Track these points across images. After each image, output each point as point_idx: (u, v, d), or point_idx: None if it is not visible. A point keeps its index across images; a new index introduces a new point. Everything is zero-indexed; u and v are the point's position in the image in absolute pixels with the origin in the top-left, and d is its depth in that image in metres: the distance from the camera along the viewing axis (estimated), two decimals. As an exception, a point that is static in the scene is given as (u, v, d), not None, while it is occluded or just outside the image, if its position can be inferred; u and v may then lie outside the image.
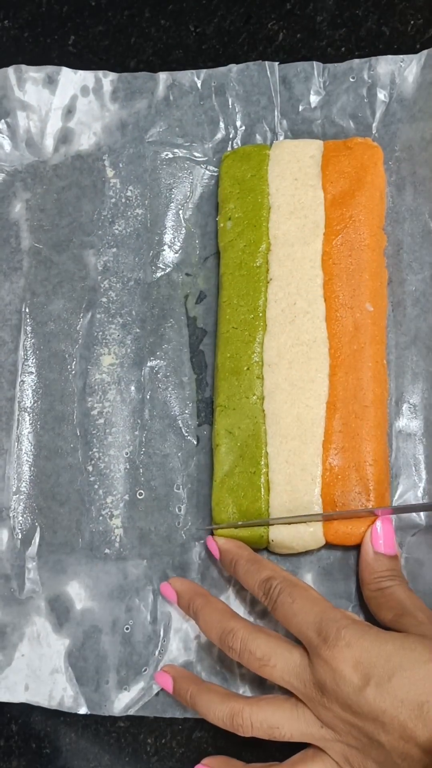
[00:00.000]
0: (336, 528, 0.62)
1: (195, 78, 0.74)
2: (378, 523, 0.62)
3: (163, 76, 0.75)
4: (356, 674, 0.52)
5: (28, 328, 0.72)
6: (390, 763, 0.52)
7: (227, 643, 0.58)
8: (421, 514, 0.64)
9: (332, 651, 0.52)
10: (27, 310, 0.73)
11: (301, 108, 0.72)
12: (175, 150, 0.74)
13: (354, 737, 0.53)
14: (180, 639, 0.66)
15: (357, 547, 0.64)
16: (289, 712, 0.55)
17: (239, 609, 0.65)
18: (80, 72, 0.76)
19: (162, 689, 0.64)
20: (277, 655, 0.56)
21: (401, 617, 0.57)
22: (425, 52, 0.71)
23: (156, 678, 0.63)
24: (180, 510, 0.68)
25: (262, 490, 0.63)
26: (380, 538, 0.62)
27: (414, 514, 0.64)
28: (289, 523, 0.63)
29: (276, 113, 0.73)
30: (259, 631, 0.58)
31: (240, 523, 0.63)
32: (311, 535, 0.62)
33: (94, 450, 0.70)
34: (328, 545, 0.65)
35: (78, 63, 0.77)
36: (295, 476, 0.63)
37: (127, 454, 0.69)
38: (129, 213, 0.74)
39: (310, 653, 0.54)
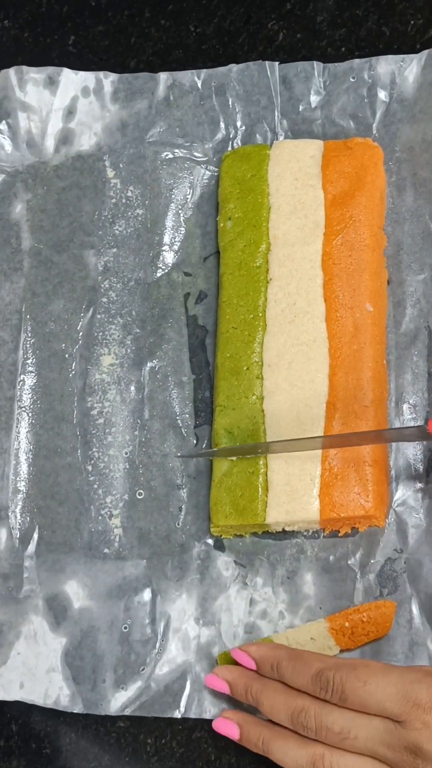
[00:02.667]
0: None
1: (195, 78, 0.74)
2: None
3: (163, 77, 0.75)
4: None
5: (29, 328, 0.73)
6: None
7: (301, 723, 0.55)
8: (421, 514, 0.64)
9: (428, 714, 0.51)
10: (27, 310, 0.73)
11: (301, 108, 0.72)
12: (176, 150, 0.74)
13: None
14: (179, 639, 0.66)
15: (354, 540, 0.64)
16: (373, 764, 0.54)
17: (239, 608, 0.65)
18: (81, 73, 0.76)
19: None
20: (356, 726, 0.53)
21: None
22: (425, 52, 0.71)
23: (217, 727, 0.61)
24: (179, 510, 0.68)
25: (260, 489, 0.63)
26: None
27: (414, 514, 0.64)
28: (289, 451, 0.62)
29: (276, 113, 0.73)
30: (330, 705, 0.55)
31: (238, 446, 0.63)
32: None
33: (94, 450, 0.70)
34: (327, 547, 0.65)
35: (78, 63, 0.78)
36: (294, 476, 0.63)
37: (126, 453, 0.69)
38: (129, 213, 0.74)
39: (400, 720, 0.52)
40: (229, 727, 0.60)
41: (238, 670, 0.61)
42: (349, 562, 0.65)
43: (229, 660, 0.64)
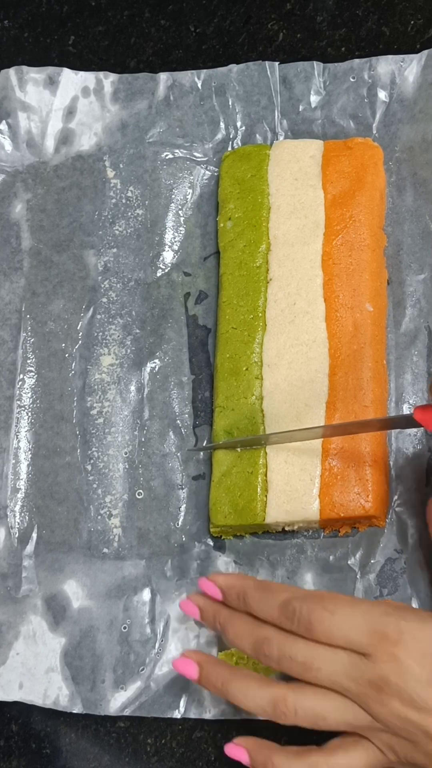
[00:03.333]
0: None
1: (195, 78, 0.74)
2: None
3: (163, 77, 0.75)
4: (425, 668, 0.50)
5: (28, 328, 0.73)
6: None
7: (263, 651, 0.54)
8: (421, 514, 0.64)
9: (396, 647, 0.50)
10: (27, 310, 0.73)
11: (301, 108, 0.72)
12: (176, 150, 0.74)
13: (409, 731, 0.51)
14: (178, 639, 0.66)
15: (354, 540, 0.65)
16: (336, 702, 0.52)
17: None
18: (81, 73, 0.76)
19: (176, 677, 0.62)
20: (320, 657, 0.52)
21: None
22: (425, 52, 0.71)
23: (177, 665, 0.57)
24: (179, 510, 0.68)
25: (259, 489, 0.63)
26: None
27: (414, 514, 0.64)
28: (289, 441, 0.62)
29: (276, 113, 0.73)
30: (294, 636, 0.53)
31: (239, 439, 0.64)
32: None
33: (93, 449, 0.70)
34: (327, 547, 0.65)
35: (78, 63, 0.78)
36: (294, 476, 0.63)
37: (126, 453, 0.69)
38: (129, 213, 0.74)
39: (366, 654, 0.51)
40: (188, 665, 0.57)
41: (233, 576, 0.59)
42: (349, 562, 0.65)
43: (230, 660, 0.64)
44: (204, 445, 0.69)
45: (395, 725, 0.50)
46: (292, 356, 0.65)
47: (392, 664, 0.50)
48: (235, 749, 0.55)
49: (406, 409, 0.66)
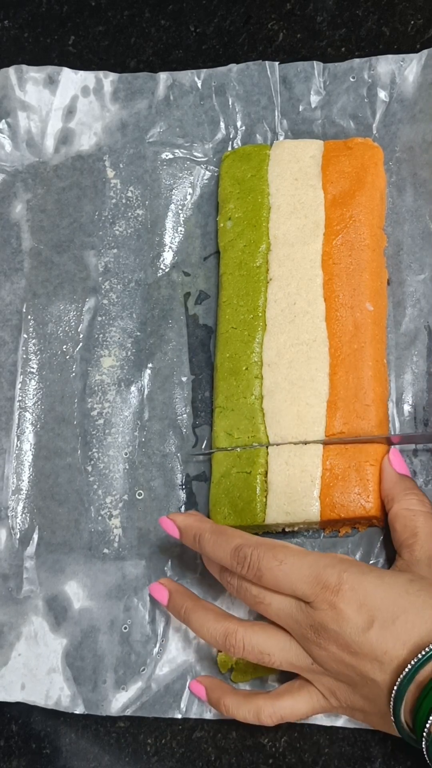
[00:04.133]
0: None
1: (195, 78, 0.74)
2: (392, 453, 0.63)
3: (163, 77, 0.75)
4: (360, 616, 0.52)
5: (29, 329, 0.73)
6: (375, 700, 0.53)
7: (226, 579, 0.59)
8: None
9: (336, 595, 0.53)
10: (28, 311, 0.73)
11: (301, 108, 0.72)
12: (176, 150, 0.74)
13: (346, 675, 0.54)
14: (179, 639, 0.66)
15: (354, 540, 0.65)
16: (282, 642, 0.56)
17: (239, 611, 0.65)
18: (81, 72, 0.76)
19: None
20: (271, 595, 0.56)
21: (414, 545, 0.58)
22: (425, 51, 0.71)
23: (151, 590, 0.64)
24: (179, 510, 0.68)
25: (258, 490, 0.63)
26: (397, 463, 0.62)
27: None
28: (291, 443, 0.63)
29: (276, 113, 0.73)
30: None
31: (238, 448, 0.64)
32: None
33: (94, 450, 0.70)
34: (328, 547, 0.65)
35: (78, 63, 0.78)
36: (295, 478, 0.62)
37: (126, 454, 0.69)
38: (129, 213, 0.74)
39: (309, 601, 0.54)
40: (160, 591, 0.63)
41: (191, 517, 0.61)
42: (348, 561, 0.65)
43: (230, 660, 0.64)
44: (203, 449, 0.69)
45: (333, 668, 0.54)
46: (292, 355, 0.65)
47: (331, 612, 0.53)
48: (196, 686, 0.62)
49: (407, 410, 0.66)
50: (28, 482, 0.70)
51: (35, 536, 0.69)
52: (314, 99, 0.72)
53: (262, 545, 0.56)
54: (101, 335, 0.72)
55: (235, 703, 0.59)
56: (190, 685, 0.63)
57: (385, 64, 0.71)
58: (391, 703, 0.51)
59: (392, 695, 0.51)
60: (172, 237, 0.73)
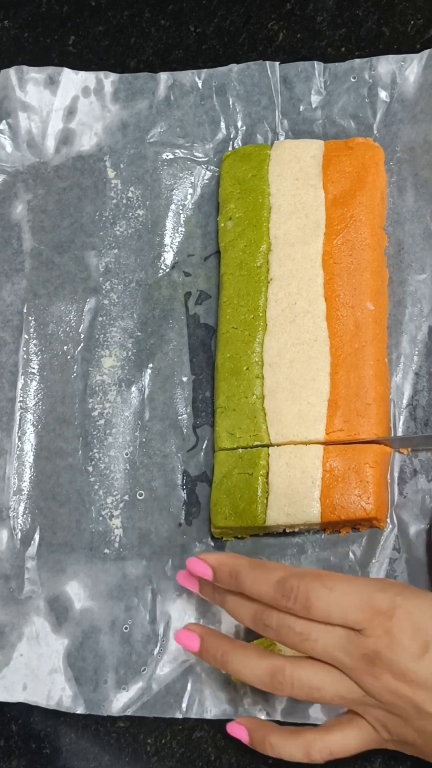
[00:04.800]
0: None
1: (196, 78, 0.74)
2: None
3: (163, 77, 0.75)
4: (415, 641, 0.50)
5: (30, 330, 0.72)
6: (430, 732, 0.51)
7: (262, 621, 0.54)
8: (421, 514, 0.64)
9: (389, 621, 0.51)
10: (29, 312, 0.73)
11: (302, 108, 0.72)
12: (176, 150, 0.74)
13: (400, 706, 0.51)
14: (180, 639, 0.66)
15: (355, 540, 0.65)
16: (332, 676, 0.53)
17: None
18: (81, 73, 0.76)
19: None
20: (318, 629, 0.52)
21: None
22: (426, 51, 0.71)
23: (179, 638, 0.59)
24: (180, 510, 0.68)
25: (260, 491, 0.63)
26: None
27: (415, 514, 0.64)
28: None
29: (277, 113, 0.73)
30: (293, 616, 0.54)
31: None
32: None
33: (95, 451, 0.70)
34: (328, 546, 0.65)
35: (78, 63, 0.78)
36: (296, 479, 0.62)
37: (127, 454, 0.69)
38: (130, 214, 0.74)
39: (360, 628, 0.51)
40: (190, 638, 0.58)
41: (224, 554, 0.58)
42: (349, 562, 0.65)
43: None
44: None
45: (387, 699, 0.51)
46: (293, 355, 0.65)
47: (385, 638, 0.51)
48: (236, 728, 0.57)
49: (407, 410, 0.66)
50: (30, 483, 0.70)
51: (36, 537, 0.69)
52: (315, 99, 0.72)
53: (308, 575, 0.53)
54: (102, 335, 0.72)
55: (282, 741, 0.55)
56: (228, 728, 0.58)
57: (385, 64, 0.71)
58: None
59: None
60: (172, 237, 0.73)
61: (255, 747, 0.56)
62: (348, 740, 0.54)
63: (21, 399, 0.71)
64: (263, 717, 0.63)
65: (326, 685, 0.53)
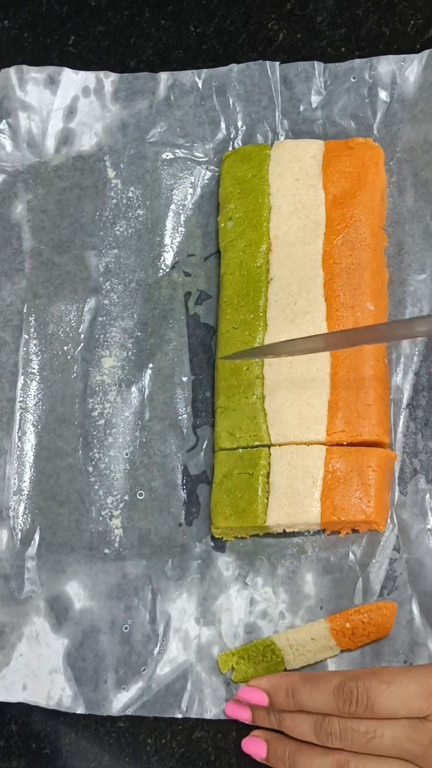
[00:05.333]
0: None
1: (196, 78, 0.74)
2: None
3: (164, 76, 0.75)
4: None
5: (30, 330, 0.72)
6: None
7: (325, 730, 0.55)
8: (421, 515, 0.64)
9: None
10: (29, 311, 0.73)
11: (302, 108, 0.72)
12: (176, 150, 0.74)
13: None
14: (179, 639, 0.66)
15: (355, 540, 0.65)
16: (397, 764, 0.54)
17: (240, 608, 0.65)
18: (81, 72, 0.76)
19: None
20: (382, 725, 0.53)
21: None
22: (426, 52, 0.71)
23: (246, 746, 0.60)
24: (180, 510, 0.68)
25: (260, 491, 0.63)
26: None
27: (415, 514, 0.64)
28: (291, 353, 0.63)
29: (277, 113, 0.73)
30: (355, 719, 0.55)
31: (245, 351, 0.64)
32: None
33: (95, 451, 0.70)
34: (328, 547, 0.65)
35: (78, 63, 0.78)
36: (296, 479, 0.62)
37: (127, 454, 0.69)
38: (130, 214, 0.74)
39: (426, 715, 0.52)
40: (257, 745, 0.60)
41: (274, 677, 0.59)
42: (349, 562, 0.65)
43: (231, 660, 0.64)
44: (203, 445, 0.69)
45: None
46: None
47: None
48: (254, 742, 0.60)
49: (408, 410, 0.66)
50: (30, 483, 0.70)
51: (36, 537, 0.69)
52: (315, 99, 0.72)
53: (364, 675, 0.54)
54: (102, 335, 0.72)
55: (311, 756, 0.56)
56: (244, 743, 0.60)
57: (385, 65, 0.71)
58: None
59: None
60: (172, 237, 0.73)
61: (274, 764, 0.58)
62: None
63: (21, 399, 0.71)
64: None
65: None
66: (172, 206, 0.73)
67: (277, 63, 0.73)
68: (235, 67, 0.74)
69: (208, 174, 0.74)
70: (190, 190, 0.74)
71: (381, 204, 0.68)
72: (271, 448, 0.64)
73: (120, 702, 0.65)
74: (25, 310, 0.73)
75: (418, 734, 0.52)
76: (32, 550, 0.69)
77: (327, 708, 0.55)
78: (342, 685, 0.54)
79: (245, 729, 0.64)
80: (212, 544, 0.67)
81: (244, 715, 0.61)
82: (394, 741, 0.53)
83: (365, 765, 0.54)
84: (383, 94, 0.71)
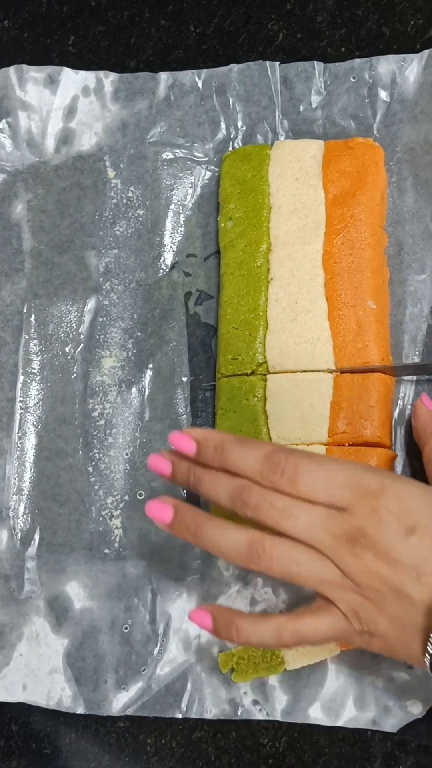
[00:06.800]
0: None
1: (196, 78, 0.74)
2: (424, 395, 0.62)
3: (164, 76, 0.75)
4: (402, 522, 0.50)
5: (31, 330, 0.72)
6: (404, 620, 0.51)
7: (241, 499, 0.52)
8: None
9: (377, 500, 0.50)
10: (29, 312, 0.73)
11: (302, 108, 0.72)
12: (176, 150, 0.74)
13: (376, 589, 0.51)
14: (179, 639, 0.66)
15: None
16: (310, 553, 0.52)
17: (240, 608, 0.65)
18: (81, 72, 0.76)
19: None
20: (300, 506, 0.51)
21: None
22: (426, 51, 0.71)
23: (149, 508, 0.55)
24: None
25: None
26: (429, 403, 0.62)
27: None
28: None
29: (277, 113, 0.73)
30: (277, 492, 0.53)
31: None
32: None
33: (95, 451, 0.70)
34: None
35: (78, 63, 0.77)
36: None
37: (127, 455, 0.69)
38: (130, 214, 0.74)
39: (346, 506, 0.51)
40: (162, 509, 0.55)
41: (209, 430, 0.56)
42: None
43: (231, 660, 0.64)
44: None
45: (364, 581, 0.51)
46: (297, 354, 0.64)
47: (371, 516, 0.50)
48: (200, 614, 0.55)
49: (408, 410, 0.66)
50: (30, 483, 0.70)
51: (36, 537, 0.69)
52: (315, 99, 0.72)
53: (297, 451, 0.53)
54: (102, 336, 0.72)
55: (250, 624, 0.53)
56: (190, 616, 0.55)
57: (385, 64, 0.71)
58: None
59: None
60: (172, 237, 0.73)
61: (219, 634, 0.54)
62: (319, 626, 0.52)
63: (21, 399, 0.71)
64: (262, 717, 0.63)
65: (305, 561, 0.52)
66: (172, 206, 0.73)
67: (277, 63, 0.73)
68: (235, 67, 0.74)
69: (208, 174, 0.73)
70: (190, 190, 0.74)
71: (381, 203, 0.68)
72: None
73: (120, 702, 0.65)
74: (25, 310, 0.73)
75: (334, 524, 0.51)
76: (32, 550, 0.69)
77: (251, 471, 0.53)
78: (273, 453, 0.52)
79: (245, 729, 0.64)
80: (212, 544, 0.67)
81: (164, 468, 0.56)
82: (308, 526, 0.51)
83: (280, 546, 0.52)
84: (383, 94, 0.71)
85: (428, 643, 0.50)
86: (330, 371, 0.64)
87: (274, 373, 0.65)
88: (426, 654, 0.50)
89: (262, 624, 0.53)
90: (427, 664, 0.50)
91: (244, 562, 0.52)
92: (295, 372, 0.64)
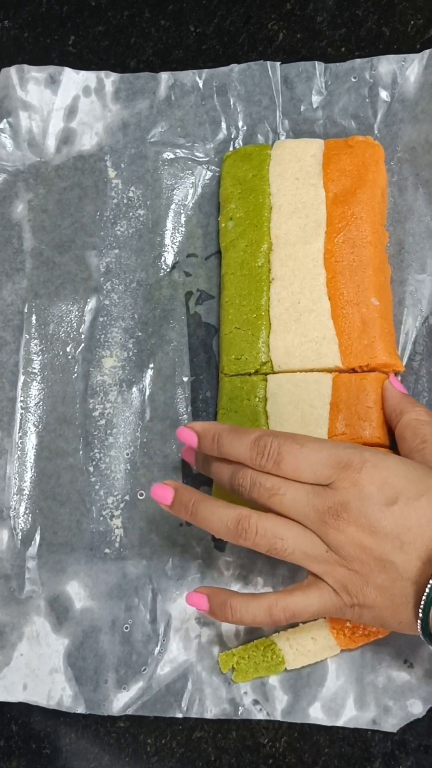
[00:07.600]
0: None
1: (197, 78, 0.74)
2: (392, 377, 0.64)
3: (164, 76, 0.75)
4: (383, 492, 0.52)
5: (31, 330, 0.72)
6: (392, 588, 0.53)
7: (238, 482, 0.57)
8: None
9: (358, 473, 0.53)
10: (29, 311, 0.73)
11: (302, 108, 0.72)
12: (177, 150, 0.74)
13: (362, 561, 0.53)
14: (180, 638, 0.66)
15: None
16: (296, 528, 0.55)
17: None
18: (82, 72, 0.76)
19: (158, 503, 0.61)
20: (287, 485, 0.55)
21: (423, 450, 0.58)
22: (427, 51, 0.71)
23: (154, 491, 0.60)
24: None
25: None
26: (398, 385, 0.63)
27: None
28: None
29: (278, 113, 0.73)
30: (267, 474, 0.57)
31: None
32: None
33: (96, 451, 0.70)
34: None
35: (78, 63, 0.78)
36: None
37: (128, 454, 0.69)
38: (131, 213, 0.74)
39: (329, 482, 0.54)
40: (164, 490, 0.60)
41: (210, 422, 0.60)
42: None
43: (231, 660, 0.64)
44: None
45: (350, 554, 0.53)
46: (302, 353, 0.64)
47: (354, 489, 0.53)
48: (196, 597, 0.59)
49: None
50: (30, 483, 0.70)
51: (37, 536, 0.69)
52: (316, 99, 0.72)
53: (282, 434, 0.56)
54: (103, 336, 0.72)
55: (243, 603, 0.56)
56: (187, 598, 0.59)
57: (386, 64, 0.71)
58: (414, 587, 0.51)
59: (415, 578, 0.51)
60: (173, 237, 0.73)
61: (215, 615, 0.58)
62: (309, 601, 0.55)
63: (22, 399, 0.71)
64: (262, 717, 0.63)
65: (290, 537, 0.55)
66: (173, 206, 0.73)
67: (278, 63, 0.73)
68: (235, 67, 0.74)
69: (209, 174, 0.74)
70: (191, 190, 0.74)
71: (382, 201, 0.68)
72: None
73: (120, 702, 0.65)
74: (25, 310, 0.73)
75: (318, 500, 0.54)
76: (33, 549, 0.69)
77: (242, 456, 0.56)
78: (259, 437, 0.56)
79: (245, 729, 0.64)
80: (212, 543, 0.67)
81: (191, 442, 0.61)
82: (295, 502, 0.55)
83: (265, 522, 0.55)
84: (384, 94, 0.71)
85: (419, 609, 0.52)
86: (333, 370, 0.64)
87: (278, 372, 0.65)
88: (417, 620, 0.52)
89: (254, 602, 0.56)
90: (419, 629, 0.52)
91: (233, 537, 0.56)
92: (302, 371, 0.64)
